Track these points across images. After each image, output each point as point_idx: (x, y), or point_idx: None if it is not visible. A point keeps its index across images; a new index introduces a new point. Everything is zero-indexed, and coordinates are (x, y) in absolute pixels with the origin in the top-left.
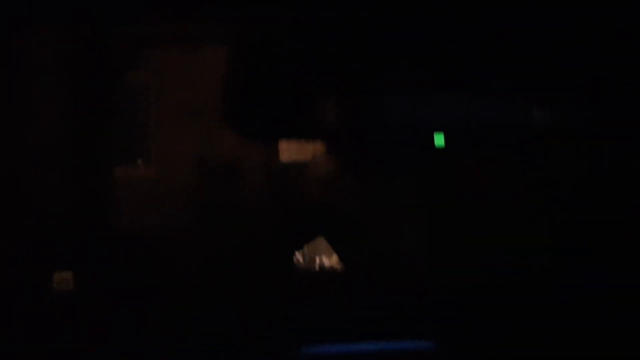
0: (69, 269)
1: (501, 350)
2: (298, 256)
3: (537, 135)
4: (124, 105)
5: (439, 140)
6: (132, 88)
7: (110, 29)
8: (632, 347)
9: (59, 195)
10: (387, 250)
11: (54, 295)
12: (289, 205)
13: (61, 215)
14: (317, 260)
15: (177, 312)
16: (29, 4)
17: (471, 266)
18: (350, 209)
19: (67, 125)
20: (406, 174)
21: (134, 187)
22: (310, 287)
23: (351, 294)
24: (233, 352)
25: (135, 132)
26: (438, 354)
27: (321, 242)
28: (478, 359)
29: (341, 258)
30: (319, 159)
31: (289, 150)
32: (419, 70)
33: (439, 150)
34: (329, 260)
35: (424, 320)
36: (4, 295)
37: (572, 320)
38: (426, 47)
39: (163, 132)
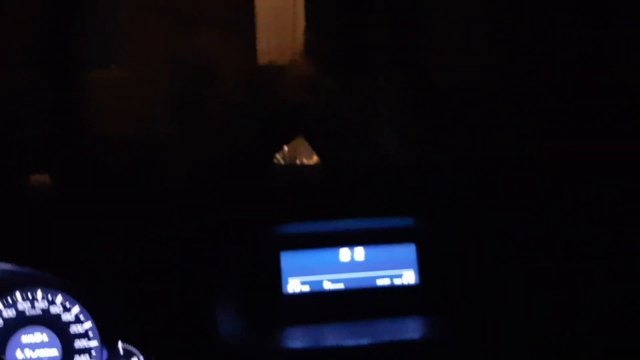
0: (45, 171)
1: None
2: (278, 157)
3: None
4: (95, 7)
5: None
6: None
7: None
8: None
9: (32, 98)
10: (369, 146)
11: (29, 196)
12: (268, 106)
13: (35, 119)
14: (298, 161)
15: (155, 210)
16: None
17: (454, 149)
18: (330, 108)
19: (38, 29)
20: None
21: (109, 90)
22: (290, 180)
23: (331, 184)
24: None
25: (108, 34)
26: (418, 231)
27: (301, 142)
28: (457, 234)
29: (321, 157)
30: (298, 60)
31: (268, 52)
32: None
33: None
34: (309, 160)
35: (404, 200)
36: None
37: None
38: None
39: (136, 34)
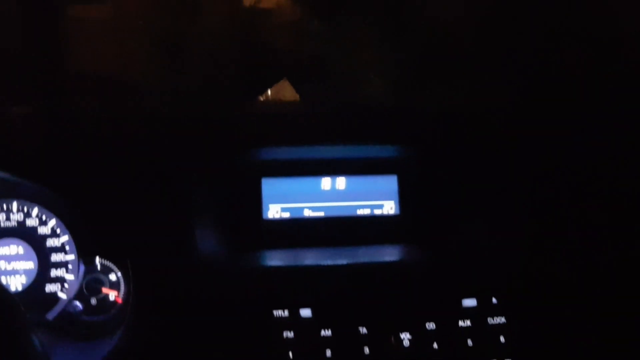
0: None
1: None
2: (261, 98)
3: None
4: None
5: None
6: None
7: None
8: None
9: (12, 34)
10: (352, 88)
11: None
12: (252, 47)
13: (15, 55)
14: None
15: (138, 133)
16: None
17: (436, 88)
18: (314, 51)
19: None
20: None
21: (90, 28)
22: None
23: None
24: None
25: None
26: (400, 162)
27: (285, 85)
28: (438, 167)
29: (305, 100)
30: (283, 1)
31: None
32: None
33: None
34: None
35: (387, 130)
36: None
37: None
38: None
39: None
